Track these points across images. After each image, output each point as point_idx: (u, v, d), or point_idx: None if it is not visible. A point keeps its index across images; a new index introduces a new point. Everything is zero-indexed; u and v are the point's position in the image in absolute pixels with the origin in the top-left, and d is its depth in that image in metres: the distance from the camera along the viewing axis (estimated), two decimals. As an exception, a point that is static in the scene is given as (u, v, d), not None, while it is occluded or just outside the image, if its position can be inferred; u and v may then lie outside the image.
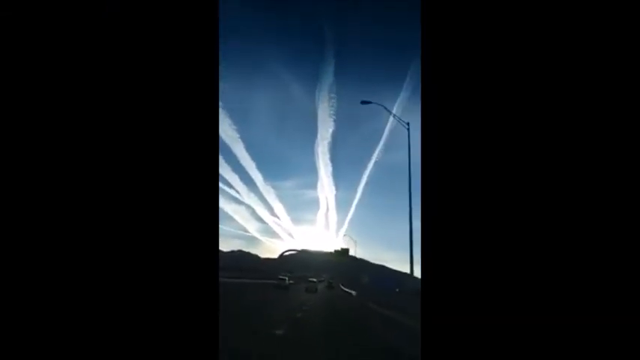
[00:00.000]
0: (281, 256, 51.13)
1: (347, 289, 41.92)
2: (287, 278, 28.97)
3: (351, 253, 48.03)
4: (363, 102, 14.95)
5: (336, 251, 49.34)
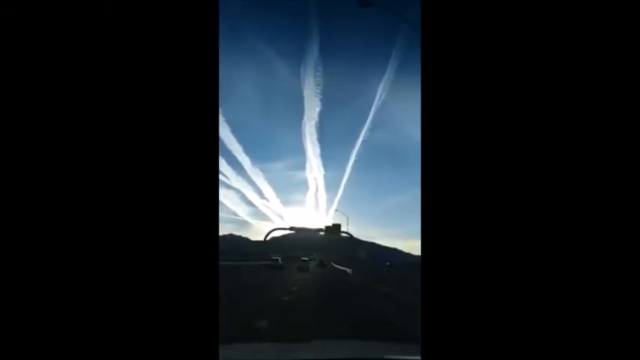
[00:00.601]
0: (267, 235, 45.31)
1: (341, 267, 39.30)
2: (280, 258, 32.18)
3: (344, 229, 45.43)
4: (363, 3, 10.20)
5: (327, 227, 45.21)
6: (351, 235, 47.32)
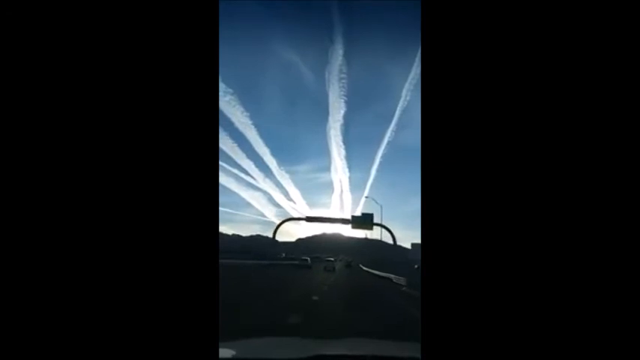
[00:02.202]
0: (278, 227, 39.83)
1: (378, 272, 25.84)
2: (309, 259, 36.75)
3: (377, 220, 34.33)
4: None
5: (354, 218, 34.03)
6: (389, 231, 36.66)
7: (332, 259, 38.90)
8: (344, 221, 36.80)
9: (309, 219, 38.74)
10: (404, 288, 15.42)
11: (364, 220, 34.92)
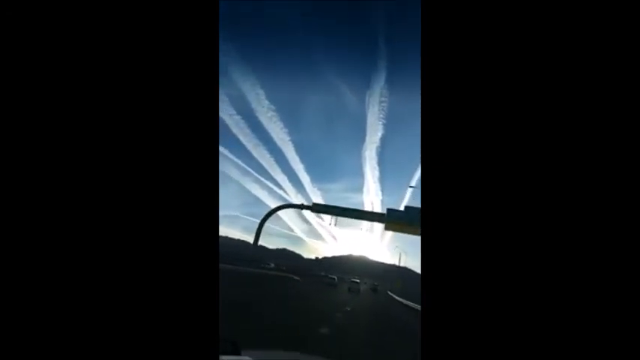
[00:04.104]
0: (270, 215, 29.17)
1: (411, 304, 19.83)
2: (335, 278, 37.40)
3: (408, 250, 35.23)
4: None
5: (391, 212, 20.22)
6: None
7: (357, 280, 37.17)
8: (372, 217, 23.51)
9: (316, 206, 25.64)
10: None
11: (407, 218, 19.30)
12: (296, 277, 28.59)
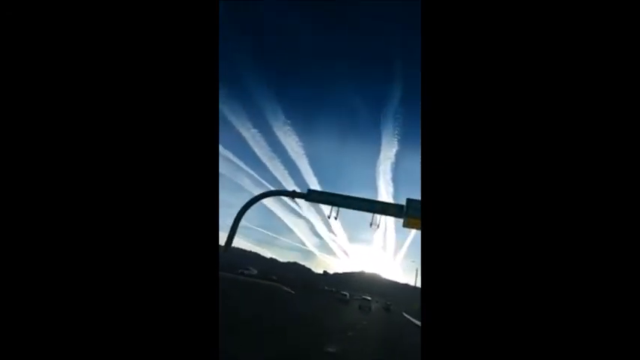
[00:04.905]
0: (251, 203, 20.64)
1: None
2: (347, 294, 35.74)
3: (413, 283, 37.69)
4: None
5: (411, 203, 16.56)
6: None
7: (369, 297, 35.27)
8: (386, 208, 16.89)
9: (312, 193, 18.43)
10: None
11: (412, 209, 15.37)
12: (286, 288, 26.13)
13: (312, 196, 18.52)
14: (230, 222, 18.48)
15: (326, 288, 54.33)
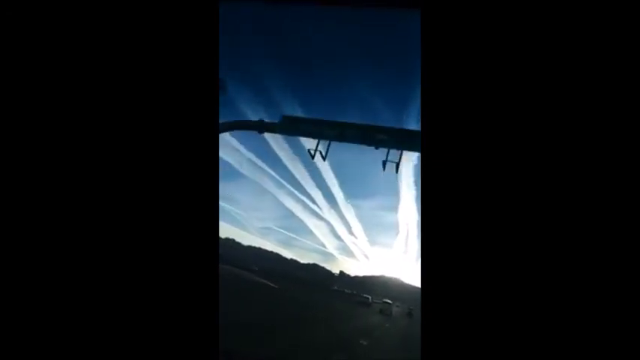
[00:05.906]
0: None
1: None
2: (370, 298, 37.67)
3: None
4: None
5: None
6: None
7: (389, 301, 35.38)
8: (390, 137, 7.62)
9: (286, 121, 9.51)
10: None
11: None
12: (272, 284, 25.97)
13: (285, 125, 11.26)
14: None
15: (345, 290, 54.00)
